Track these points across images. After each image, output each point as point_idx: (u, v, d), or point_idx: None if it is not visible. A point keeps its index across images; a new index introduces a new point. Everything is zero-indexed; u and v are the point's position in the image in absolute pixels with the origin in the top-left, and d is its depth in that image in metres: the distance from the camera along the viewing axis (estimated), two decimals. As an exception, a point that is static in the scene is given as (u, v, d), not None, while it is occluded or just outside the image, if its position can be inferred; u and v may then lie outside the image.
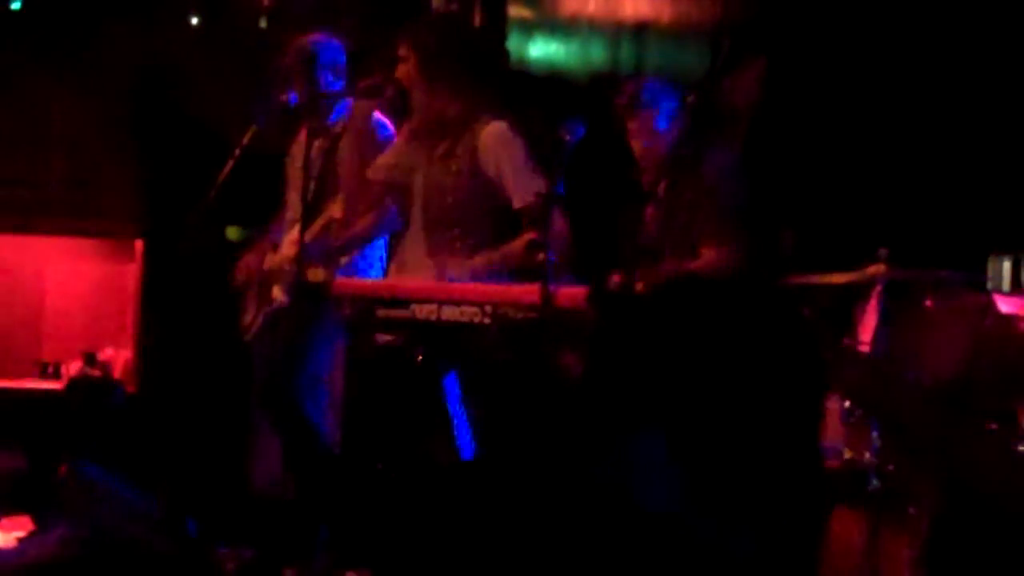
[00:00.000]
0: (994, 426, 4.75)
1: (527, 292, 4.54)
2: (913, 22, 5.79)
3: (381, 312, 4.89)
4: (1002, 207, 5.11)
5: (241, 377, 6.19)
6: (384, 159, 5.63)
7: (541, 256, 4.56)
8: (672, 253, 5.53)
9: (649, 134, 5.76)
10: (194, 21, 8.24)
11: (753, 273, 5.43)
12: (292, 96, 6.02)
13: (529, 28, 7.77)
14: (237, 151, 5.86)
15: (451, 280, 5.04)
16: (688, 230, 5.57)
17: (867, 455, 4.92)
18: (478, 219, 5.30)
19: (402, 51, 5.48)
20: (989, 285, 6.05)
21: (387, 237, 5.98)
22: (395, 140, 5.74)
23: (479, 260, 5.24)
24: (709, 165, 5.65)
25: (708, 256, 5.48)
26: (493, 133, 5.32)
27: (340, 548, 5.52)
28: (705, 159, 5.66)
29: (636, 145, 5.79)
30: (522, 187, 5.17)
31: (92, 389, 7.46)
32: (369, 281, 5.51)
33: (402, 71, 5.47)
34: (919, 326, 5.32)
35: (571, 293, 4.49)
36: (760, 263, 5.49)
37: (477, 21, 7.49)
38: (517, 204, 5.19)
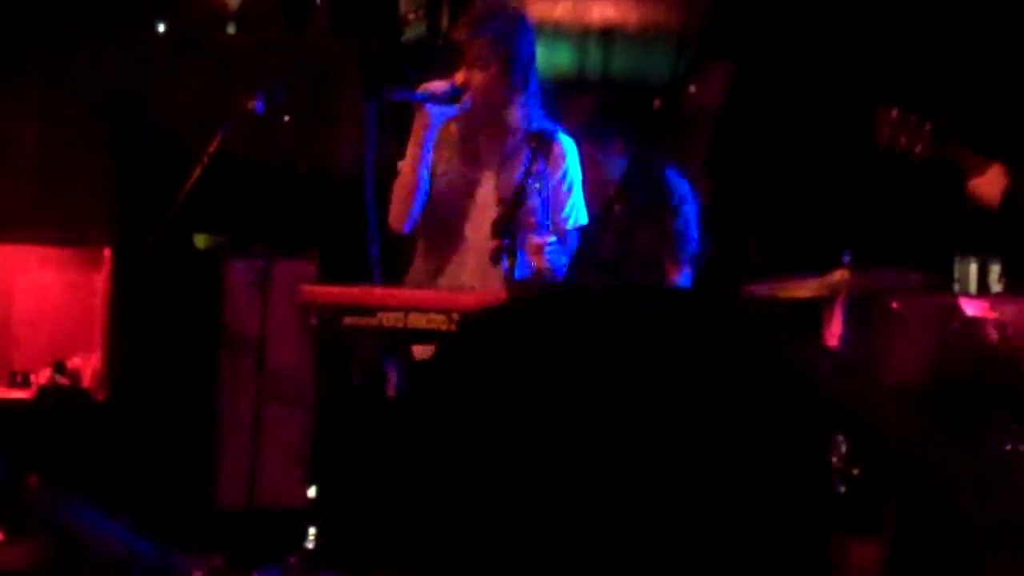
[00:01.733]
0: (959, 429, 4.78)
1: (492, 298, 4.54)
2: (877, 26, 5.81)
3: (348, 320, 4.89)
4: (967, 208, 5.12)
5: (209, 385, 6.18)
6: (443, 168, 5.39)
7: (507, 263, 4.57)
8: (632, 274, 5.54)
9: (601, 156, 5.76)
10: (161, 28, 8.22)
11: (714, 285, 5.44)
12: (259, 103, 5.99)
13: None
14: (205, 158, 5.84)
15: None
16: (652, 249, 5.58)
17: (833, 459, 4.94)
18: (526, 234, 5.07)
19: (478, 53, 5.16)
20: (956, 287, 6.09)
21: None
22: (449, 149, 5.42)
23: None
24: (670, 183, 5.67)
25: (672, 275, 5.50)
26: (565, 148, 5.20)
27: (324, 552, 5.50)
28: (664, 176, 5.67)
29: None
30: (571, 207, 5.14)
31: (62, 398, 7.43)
32: (335, 289, 5.51)
33: (477, 78, 5.16)
34: (885, 329, 5.34)
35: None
36: (726, 271, 5.50)
37: (444, 25, 7.49)
38: (565, 225, 5.14)
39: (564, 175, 5.17)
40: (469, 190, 5.28)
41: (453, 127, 5.30)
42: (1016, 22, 5.91)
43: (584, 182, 5.29)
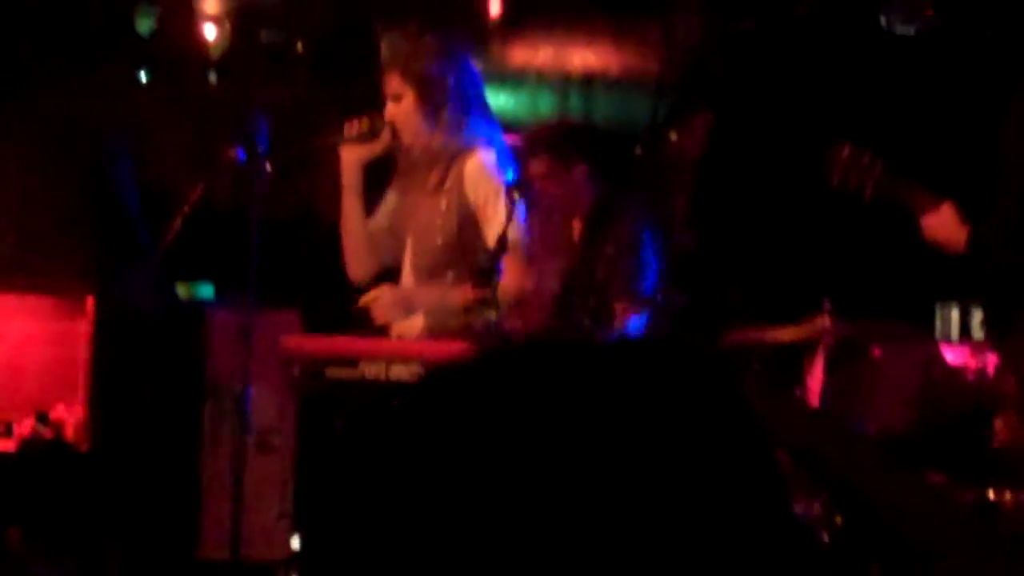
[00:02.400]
0: (940, 477, 4.78)
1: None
2: (858, 75, 5.84)
3: (331, 372, 4.89)
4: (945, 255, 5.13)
5: (192, 435, 6.17)
6: (384, 207, 5.47)
7: (486, 315, 4.57)
8: (585, 307, 5.53)
9: (562, 181, 5.75)
10: (143, 77, 8.24)
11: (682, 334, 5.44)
12: (240, 152, 5.99)
13: (478, 79, 7.80)
14: (187, 207, 5.84)
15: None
16: (607, 285, 5.57)
17: (816, 507, 4.94)
18: (470, 262, 5.14)
19: (394, 86, 5.22)
20: (937, 334, 6.10)
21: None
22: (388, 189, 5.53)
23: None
24: (633, 219, 5.67)
25: (621, 313, 5.48)
26: (480, 162, 5.18)
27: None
28: (629, 213, 5.68)
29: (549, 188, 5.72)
30: (498, 224, 5.00)
31: (44, 448, 7.41)
32: (318, 339, 5.51)
33: (395, 110, 5.23)
34: (867, 376, 5.35)
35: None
36: (706, 320, 5.50)
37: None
38: (492, 242, 5.01)
39: (478, 189, 5.16)
40: (408, 222, 5.32)
41: (400, 161, 5.36)
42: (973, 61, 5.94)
43: (546, 196, 5.35)
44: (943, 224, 4.78)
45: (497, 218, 5.02)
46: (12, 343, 7.91)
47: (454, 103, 5.19)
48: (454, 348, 4.73)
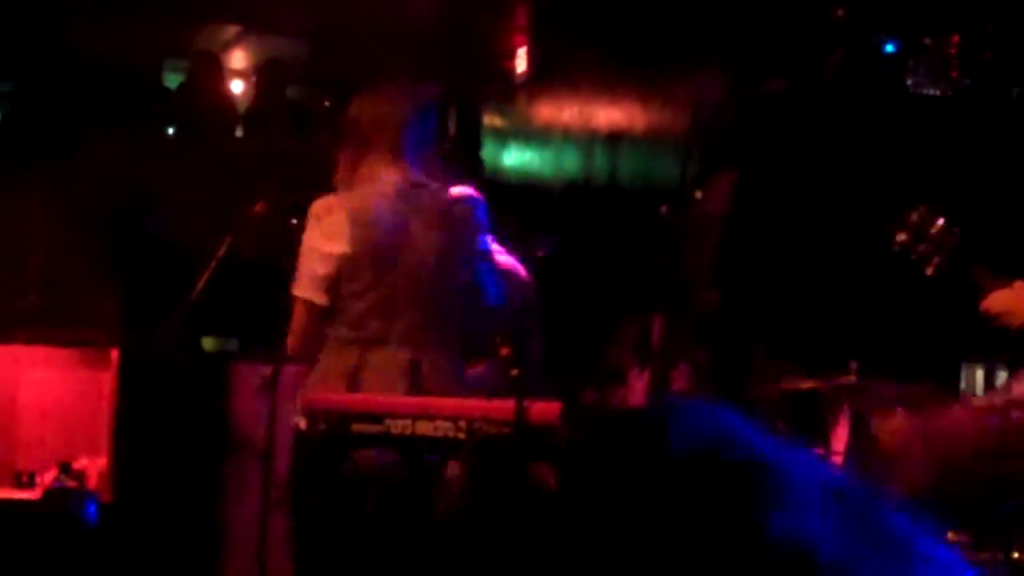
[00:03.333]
0: (964, 538, 4.77)
1: (501, 407, 4.54)
2: (883, 134, 5.85)
3: (356, 427, 4.89)
4: (972, 314, 5.13)
5: (215, 489, 6.17)
6: None
7: (515, 372, 4.58)
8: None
9: None
10: (170, 131, 8.30)
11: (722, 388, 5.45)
12: (266, 207, 6.02)
13: (503, 137, 7.84)
14: (213, 261, 5.86)
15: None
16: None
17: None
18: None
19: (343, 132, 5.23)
20: (962, 394, 6.09)
21: None
22: None
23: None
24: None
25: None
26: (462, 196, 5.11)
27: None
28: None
29: None
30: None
31: (67, 499, 7.42)
32: (343, 395, 5.51)
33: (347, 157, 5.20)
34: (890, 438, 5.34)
35: (544, 409, 4.50)
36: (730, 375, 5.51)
37: (452, 130, 7.55)
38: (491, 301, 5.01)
39: None
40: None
41: None
42: None
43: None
44: (1011, 300, 4.74)
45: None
46: (37, 393, 7.94)
47: (408, 151, 5.15)
48: (479, 404, 4.73)
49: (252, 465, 6.30)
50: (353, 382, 5.00)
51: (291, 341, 5.07)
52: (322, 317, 4.97)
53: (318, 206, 4.98)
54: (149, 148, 8.03)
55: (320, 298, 4.92)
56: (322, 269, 4.93)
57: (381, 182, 4.96)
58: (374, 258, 4.89)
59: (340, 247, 4.91)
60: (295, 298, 4.95)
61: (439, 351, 5.06)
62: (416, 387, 4.98)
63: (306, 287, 4.95)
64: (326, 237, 4.92)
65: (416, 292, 4.94)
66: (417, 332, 4.98)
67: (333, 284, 4.92)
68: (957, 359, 6.24)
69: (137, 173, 7.88)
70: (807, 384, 5.25)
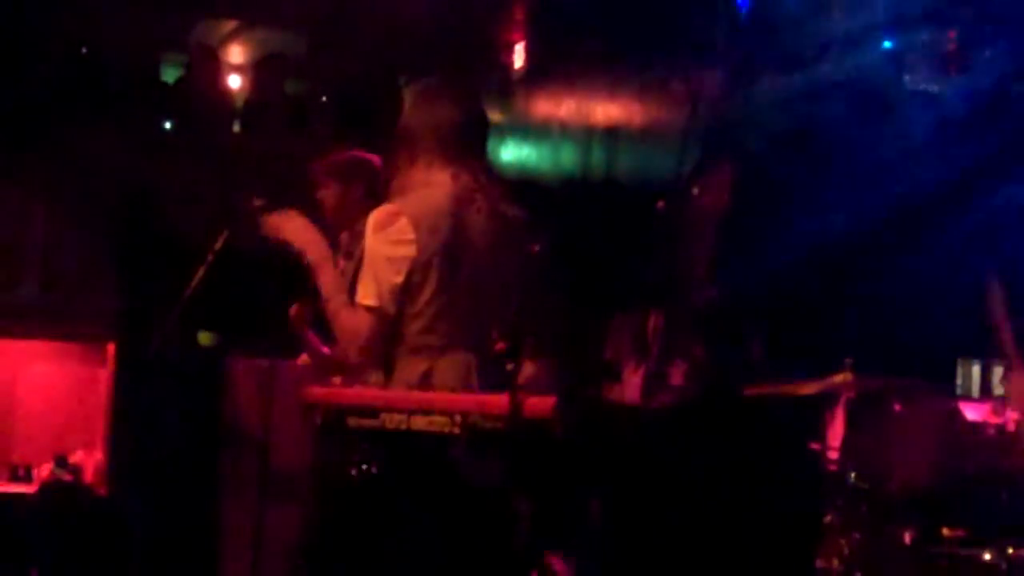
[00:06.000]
0: (960, 532, 4.78)
1: (496, 402, 4.53)
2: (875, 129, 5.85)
3: (352, 421, 4.88)
4: (968, 312, 5.14)
5: (211, 483, 6.17)
6: None
7: (509, 366, 4.56)
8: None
9: None
10: (168, 126, 8.29)
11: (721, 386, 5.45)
12: (263, 202, 6.01)
13: (501, 131, 7.83)
14: (210, 256, 5.86)
15: None
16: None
17: (835, 562, 4.93)
18: None
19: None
20: (958, 390, 6.10)
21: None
22: None
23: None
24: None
25: None
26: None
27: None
28: None
29: None
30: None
31: (63, 492, 7.43)
32: (339, 389, 5.51)
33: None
34: (887, 432, 5.34)
35: (538, 404, 4.49)
36: (729, 374, 5.51)
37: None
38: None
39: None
40: None
41: None
42: None
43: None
44: None
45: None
46: (34, 387, 7.95)
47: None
48: (474, 399, 4.72)
49: (248, 459, 6.30)
50: (426, 389, 4.96)
51: (354, 351, 4.97)
52: (392, 326, 4.92)
53: (379, 214, 4.91)
54: (147, 143, 8.02)
55: (392, 307, 4.86)
56: (396, 277, 4.86)
57: (437, 184, 4.92)
58: (441, 262, 4.85)
59: (409, 252, 4.86)
60: (363, 307, 4.89)
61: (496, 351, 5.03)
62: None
63: (378, 296, 4.87)
64: (393, 245, 4.86)
65: (479, 294, 4.91)
66: (482, 334, 4.96)
67: (402, 292, 4.87)
68: (953, 356, 6.24)
69: (135, 168, 7.87)
70: (806, 389, 5.26)
